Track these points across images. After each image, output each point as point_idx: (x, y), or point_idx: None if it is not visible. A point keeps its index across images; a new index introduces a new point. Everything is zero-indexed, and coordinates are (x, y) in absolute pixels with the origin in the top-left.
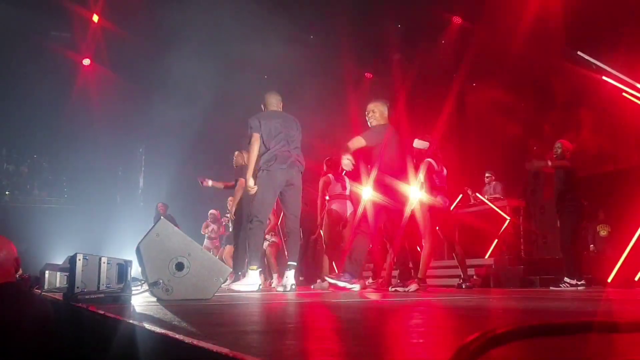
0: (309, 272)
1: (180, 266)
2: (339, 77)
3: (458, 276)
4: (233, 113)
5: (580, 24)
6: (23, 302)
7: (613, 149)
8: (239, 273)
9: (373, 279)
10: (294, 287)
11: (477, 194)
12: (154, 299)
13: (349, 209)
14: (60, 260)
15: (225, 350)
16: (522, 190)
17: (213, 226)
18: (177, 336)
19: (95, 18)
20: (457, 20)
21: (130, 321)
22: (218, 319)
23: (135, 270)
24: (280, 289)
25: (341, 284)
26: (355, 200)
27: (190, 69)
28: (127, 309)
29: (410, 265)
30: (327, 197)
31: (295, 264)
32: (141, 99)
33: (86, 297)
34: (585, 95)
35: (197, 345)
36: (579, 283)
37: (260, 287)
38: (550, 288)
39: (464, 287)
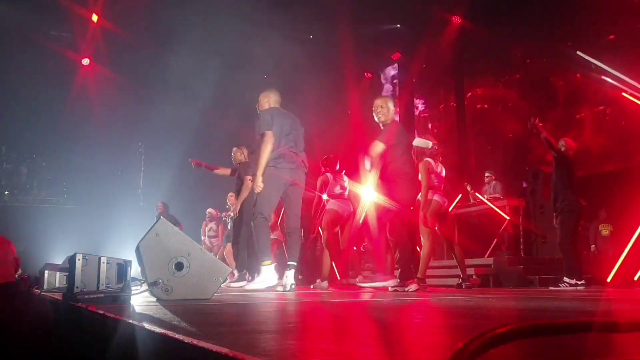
0: (308, 272)
1: (179, 266)
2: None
3: (457, 276)
4: (232, 111)
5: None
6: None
7: (615, 147)
8: (244, 271)
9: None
10: (293, 286)
11: (477, 194)
12: (154, 299)
13: (349, 208)
14: (59, 260)
15: (225, 350)
16: (522, 190)
17: (211, 225)
18: (176, 336)
19: (95, 18)
20: (456, 20)
21: (130, 321)
22: (218, 319)
23: (134, 270)
24: (279, 288)
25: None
26: (354, 199)
27: (190, 68)
28: (127, 309)
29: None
30: (325, 196)
31: (295, 264)
32: (141, 99)
33: (86, 297)
34: (586, 94)
35: (197, 345)
36: (579, 283)
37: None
38: (550, 288)
39: (463, 286)
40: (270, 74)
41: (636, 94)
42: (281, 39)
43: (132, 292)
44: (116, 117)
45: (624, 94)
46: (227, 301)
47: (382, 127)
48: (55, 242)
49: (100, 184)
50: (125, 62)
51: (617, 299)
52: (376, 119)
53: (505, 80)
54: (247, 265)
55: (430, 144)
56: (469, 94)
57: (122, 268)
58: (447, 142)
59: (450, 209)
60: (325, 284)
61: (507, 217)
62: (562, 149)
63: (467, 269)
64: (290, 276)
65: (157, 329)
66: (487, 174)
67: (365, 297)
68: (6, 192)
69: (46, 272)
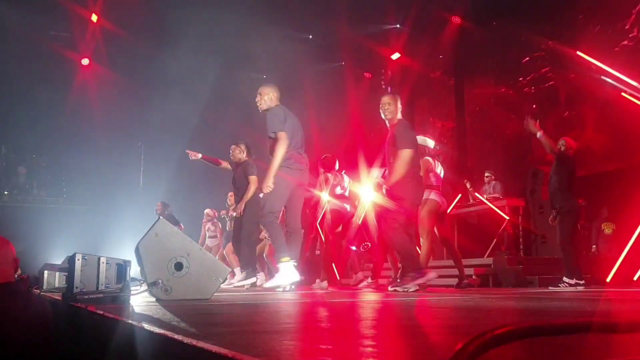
0: (308, 272)
1: (179, 266)
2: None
3: (457, 276)
4: (232, 111)
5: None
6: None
7: (617, 146)
8: (249, 270)
9: (372, 279)
10: (293, 286)
11: (477, 194)
12: (153, 299)
13: (350, 208)
14: (59, 260)
15: (225, 351)
16: (522, 189)
17: (209, 225)
18: (176, 336)
19: (94, 18)
20: (456, 20)
21: (129, 321)
22: (218, 319)
23: (134, 270)
24: (280, 288)
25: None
26: (353, 199)
27: (189, 67)
28: (126, 309)
29: None
30: (325, 196)
31: (295, 263)
32: (140, 99)
33: (85, 297)
34: (586, 94)
35: (197, 345)
36: (579, 283)
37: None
38: (550, 288)
39: (462, 285)
40: (270, 73)
41: (636, 94)
42: (281, 39)
43: (132, 292)
44: (116, 117)
45: (623, 94)
46: (227, 301)
47: (387, 125)
48: (54, 242)
49: (100, 184)
50: (125, 62)
51: (616, 299)
52: (383, 116)
53: (505, 80)
54: (240, 262)
55: (432, 143)
56: (469, 94)
57: (121, 268)
58: (447, 142)
59: (449, 210)
60: (325, 283)
61: (507, 217)
62: (562, 148)
63: (467, 269)
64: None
65: (157, 330)
66: (486, 174)
67: (365, 297)
68: (6, 192)
69: (45, 272)
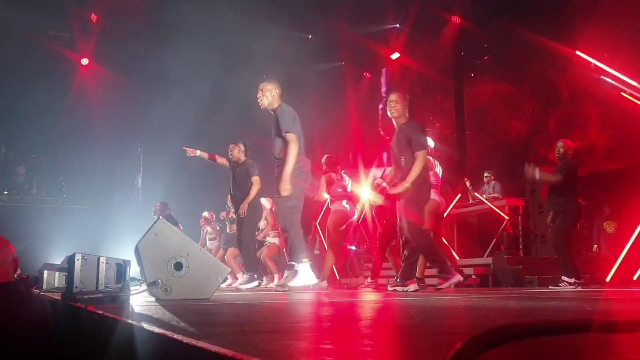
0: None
1: (179, 266)
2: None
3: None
4: (232, 110)
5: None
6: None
7: (617, 146)
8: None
9: (372, 279)
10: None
11: (476, 194)
12: (153, 299)
13: (352, 208)
14: (58, 260)
15: (225, 351)
16: (521, 189)
17: (207, 227)
18: (176, 336)
19: (94, 17)
20: (455, 19)
21: (129, 321)
22: (217, 319)
23: (134, 270)
24: (279, 288)
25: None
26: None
27: (189, 67)
28: (126, 309)
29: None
30: (328, 197)
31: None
32: (139, 98)
33: (85, 297)
34: (588, 92)
35: (196, 345)
36: (578, 282)
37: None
38: (549, 287)
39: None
40: (269, 72)
41: (636, 93)
42: (280, 38)
43: (131, 292)
44: (115, 117)
45: (622, 93)
46: (226, 301)
47: (395, 124)
48: (54, 242)
49: (100, 184)
50: (124, 61)
51: (616, 299)
52: (389, 114)
53: (504, 80)
54: (244, 263)
55: (432, 142)
56: (468, 93)
57: (121, 268)
58: (446, 141)
59: (448, 211)
60: (324, 283)
61: (506, 217)
62: (561, 150)
63: (467, 269)
64: (290, 276)
65: (156, 329)
66: (486, 174)
67: (365, 297)
68: (5, 192)
69: (45, 272)
